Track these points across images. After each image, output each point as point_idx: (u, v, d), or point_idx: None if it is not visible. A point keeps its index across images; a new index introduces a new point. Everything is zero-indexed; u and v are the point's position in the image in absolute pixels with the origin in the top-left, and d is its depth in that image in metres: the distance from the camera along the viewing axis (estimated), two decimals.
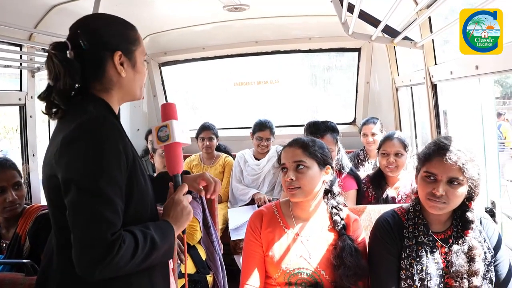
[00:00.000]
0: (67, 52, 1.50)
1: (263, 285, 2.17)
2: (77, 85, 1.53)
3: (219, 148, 5.03)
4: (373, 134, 4.30)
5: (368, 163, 4.42)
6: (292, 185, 2.08)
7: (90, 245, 1.28)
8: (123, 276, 1.41)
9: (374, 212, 2.53)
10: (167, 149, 1.71)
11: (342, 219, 2.18)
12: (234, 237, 3.96)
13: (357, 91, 5.37)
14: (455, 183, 1.84)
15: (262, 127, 4.60)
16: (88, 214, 1.30)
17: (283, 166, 2.16)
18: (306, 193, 2.09)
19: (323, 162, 2.14)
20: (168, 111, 1.71)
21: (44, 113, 1.55)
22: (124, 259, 1.32)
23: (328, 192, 2.26)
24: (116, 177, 1.36)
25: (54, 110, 1.53)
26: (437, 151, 1.90)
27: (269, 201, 4.21)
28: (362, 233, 2.21)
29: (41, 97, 1.53)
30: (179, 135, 1.69)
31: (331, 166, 2.19)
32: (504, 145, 10.89)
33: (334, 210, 2.20)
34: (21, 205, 2.58)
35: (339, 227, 2.15)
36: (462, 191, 1.86)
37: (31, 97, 3.70)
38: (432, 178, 1.89)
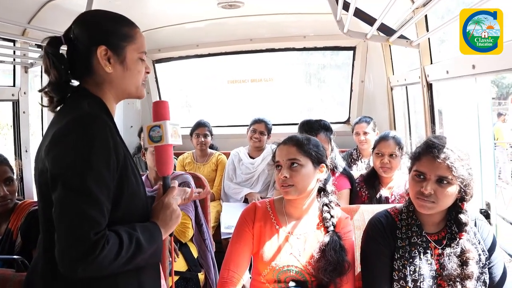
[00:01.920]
0: (61, 46, 1.53)
1: (243, 274, 2.16)
2: (69, 79, 1.56)
3: (211, 147, 5.04)
4: (365, 133, 4.30)
5: (361, 162, 4.42)
6: (286, 183, 2.08)
7: (72, 243, 1.27)
8: (109, 276, 1.40)
9: (367, 212, 2.51)
10: (158, 150, 1.68)
11: (332, 216, 2.18)
12: (225, 235, 3.94)
13: (351, 90, 5.36)
14: (444, 182, 1.83)
15: (258, 121, 4.67)
16: (73, 211, 1.29)
17: (277, 163, 2.15)
18: (299, 191, 2.09)
19: (318, 160, 2.14)
20: (160, 110, 1.67)
21: (43, 106, 1.58)
22: (107, 259, 1.31)
23: (321, 191, 2.25)
24: (104, 176, 1.35)
25: (49, 101, 1.55)
26: (426, 150, 1.90)
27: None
28: (351, 231, 2.22)
29: (42, 90, 1.56)
30: (172, 137, 1.66)
31: (326, 165, 2.19)
32: (495, 145, 10.92)
33: (325, 208, 2.20)
34: (12, 201, 2.58)
35: (327, 223, 2.16)
36: (452, 190, 1.84)
37: (24, 93, 3.67)
38: (421, 177, 1.88)
